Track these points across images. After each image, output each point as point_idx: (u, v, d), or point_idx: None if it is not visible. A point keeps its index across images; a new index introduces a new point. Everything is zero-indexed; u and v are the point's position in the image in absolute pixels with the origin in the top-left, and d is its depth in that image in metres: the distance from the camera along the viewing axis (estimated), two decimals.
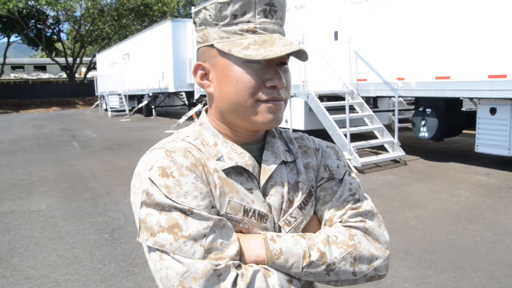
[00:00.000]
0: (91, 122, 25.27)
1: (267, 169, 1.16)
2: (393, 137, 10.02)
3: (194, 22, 1.15)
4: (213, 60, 1.10)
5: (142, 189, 1.01)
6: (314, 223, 1.21)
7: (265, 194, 1.15)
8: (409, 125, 12.56)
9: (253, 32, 1.05)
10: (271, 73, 1.07)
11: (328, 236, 1.12)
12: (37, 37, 44.71)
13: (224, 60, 1.07)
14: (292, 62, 1.28)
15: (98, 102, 37.01)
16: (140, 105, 27.24)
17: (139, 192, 1.02)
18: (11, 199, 7.81)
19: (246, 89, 1.07)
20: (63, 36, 59.17)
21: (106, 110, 31.53)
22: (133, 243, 5.34)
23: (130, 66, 27.75)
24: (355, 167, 9.04)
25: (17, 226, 6.24)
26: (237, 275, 0.98)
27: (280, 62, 1.10)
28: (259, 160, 1.18)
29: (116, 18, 44.75)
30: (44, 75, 60.44)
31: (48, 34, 46.74)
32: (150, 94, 25.63)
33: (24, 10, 39.02)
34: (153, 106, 26.59)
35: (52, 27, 47.06)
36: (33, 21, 44.01)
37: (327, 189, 1.24)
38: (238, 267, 1.00)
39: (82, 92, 48.42)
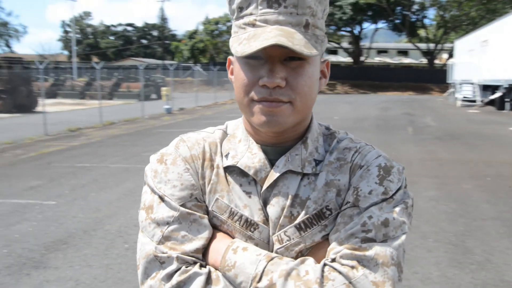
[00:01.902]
0: (436, 109, 25.02)
1: (272, 176, 1.05)
2: None
3: None
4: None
5: (146, 168, 1.12)
6: (322, 252, 1.02)
7: (266, 202, 1.06)
8: None
9: (253, 25, 0.97)
10: (265, 70, 0.97)
11: (294, 268, 0.95)
12: (401, 23, 46.52)
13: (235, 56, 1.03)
14: None
15: (450, 90, 36.11)
16: (492, 97, 25.28)
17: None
18: None
19: (241, 86, 1.01)
20: (426, 21, 59.48)
21: (457, 99, 30.54)
22: (408, 235, 5.28)
23: (487, 53, 25.92)
24: None
25: None
26: (178, 269, 0.98)
27: (290, 58, 0.97)
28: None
29: (485, 1, 42.19)
30: (406, 60, 62.56)
31: (412, 20, 47.93)
32: (506, 86, 23.45)
33: None
34: (508, 99, 24.26)
35: (417, 13, 48.02)
36: (399, 8, 45.89)
37: (345, 216, 1.01)
38: (194, 263, 0.99)
39: (439, 79, 47.98)
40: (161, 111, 22.41)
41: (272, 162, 1.07)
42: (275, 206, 1.04)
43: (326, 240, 1.03)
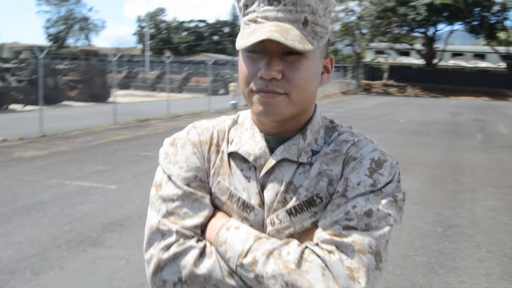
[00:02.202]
0: (511, 116, 23.78)
1: (269, 163, 1.12)
2: None
3: None
4: None
5: (160, 150, 1.22)
6: (311, 237, 1.07)
7: (263, 187, 1.12)
8: None
9: (255, 21, 1.04)
10: (263, 63, 1.03)
11: (275, 248, 1.02)
12: (480, 25, 44.47)
13: None
14: None
15: None
16: None
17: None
18: None
19: (243, 78, 1.08)
20: (507, 23, 56.52)
21: None
22: (460, 244, 5.14)
23: None
24: None
25: None
26: (176, 241, 1.07)
27: (288, 52, 1.03)
28: None
29: None
30: (482, 64, 59.67)
31: (492, 22, 45.69)
32: None
33: None
34: None
35: (497, 14, 45.70)
36: (478, 9, 43.87)
37: (333, 205, 1.06)
38: (191, 237, 1.08)
39: None
40: (227, 106, 22.81)
41: (272, 151, 1.14)
42: (270, 191, 1.11)
43: (316, 226, 1.08)
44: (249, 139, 1.16)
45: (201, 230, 1.11)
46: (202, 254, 1.07)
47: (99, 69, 26.51)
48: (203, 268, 1.05)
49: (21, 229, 5.25)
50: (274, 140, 1.15)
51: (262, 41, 0.99)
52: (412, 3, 40.59)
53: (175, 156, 1.17)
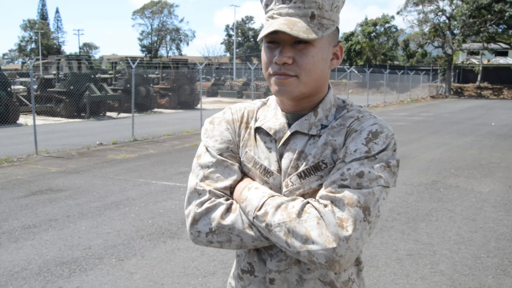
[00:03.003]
0: None
1: (285, 136, 1.34)
2: None
3: None
4: None
5: (202, 127, 1.48)
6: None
7: (281, 156, 1.34)
8: None
9: (271, 17, 1.27)
10: (278, 51, 1.25)
11: (283, 203, 1.22)
12: None
13: None
14: None
15: None
16: None
17: None
18: (466, 176, 8.34)
19: (263, 64, 1.31)
20: None
21: None
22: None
23: None
24: None
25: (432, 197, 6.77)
26: (209, 199, 1.31)
27: (298, 42, 1.24)
28: None
29: None
30: None
31: None
32: None
33: None
34: None
35: None
36: None
37: (335, 169, 1.25)
38: (222, 197, 1.32)
39: None
40: None
41: (290, 126, 1.36)
42: (286, 159, 1.33)
43: (321, 187, 1.27)
44: (272, 116, 1.39)
45: (230, 191, 1.36)
46: (228, 209, 1.30)
47: (188, 77, 27.74)
48: (228, 220, 1.28)
49: (110, 222, 5.80)
50: (292, 117, 1.37)
51: (276, 32, 1.23)
52: None
53: (212, 131, 1.43)
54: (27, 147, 11.17)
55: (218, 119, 1.46)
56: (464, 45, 44.92)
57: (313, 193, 1.29)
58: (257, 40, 1.31)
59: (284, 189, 1.32)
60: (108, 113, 22.07)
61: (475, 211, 6.25)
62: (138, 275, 4.33)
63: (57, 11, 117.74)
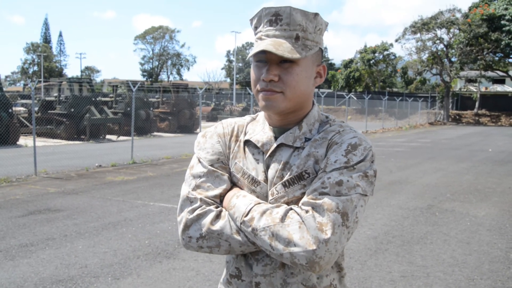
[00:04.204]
0: None
1: (271, 148, 1.44)
2: None
3: None
4: None
5: (195, 140, 1.59)
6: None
7: (268, 166, 1.44)
8: None
9: (260, 39, 1.39)
10: (265, 69, 1.36)
11: (268, 209, 1.32)
12: None
13: None
14: None
15: None
16: None
17: None
18: (461, 200, 8.40)
19: (252, 81, 1.43)
20: None
21: None
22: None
23: None
24: None
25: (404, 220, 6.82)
26: (200, 207, 1.40)
27: (284, 61, 1.35)
28: None
29: None
30: None
31: None
32: None
33: None
34: None
35: None
36: None
37: (317, 178, 1.34)
38: (212, 204, 1.41)
39: None
40: None
41: (277, 139, 1.46)
42: (272, 170, 1.43)
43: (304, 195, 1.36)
44: (260, 130, 1.51)
45: (220, 199, 1.45)
46: (218, 216, 1.39)
47: (188, 102, 27.98)
48: (217, 226, 1.37)
49: (107, 241, 5.84)
50: (278, 131, 1.48)
51: (263, 52, 1.35)
52: (506, 28, 38.78)
53: (204, 144, 1.54)
54: (27, 168, 11.24)
55: (210, 132, 1.56)
56: (462, 73, 45.37)
57: (296, 201, 1.38)
58: (246, 59, 1.42)
59: (270, 197, 1.42)
60: (108, 136, 22.21)
61: (470, 235, 6.30)
62: None
63: (60, 35, 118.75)
